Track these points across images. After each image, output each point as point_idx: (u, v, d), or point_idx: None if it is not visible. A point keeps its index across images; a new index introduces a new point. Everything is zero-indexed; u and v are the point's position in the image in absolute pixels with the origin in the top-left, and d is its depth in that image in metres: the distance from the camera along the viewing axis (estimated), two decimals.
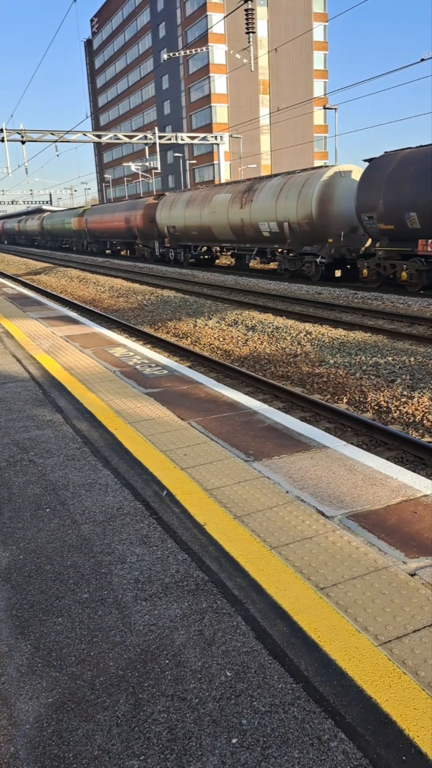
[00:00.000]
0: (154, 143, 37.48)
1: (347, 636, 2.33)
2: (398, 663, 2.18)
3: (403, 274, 16.71)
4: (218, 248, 28.58)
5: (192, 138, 40.04)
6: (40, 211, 77.26)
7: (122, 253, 43.58)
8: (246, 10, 25.02)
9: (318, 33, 70.90)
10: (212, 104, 68.71)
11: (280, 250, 22.53)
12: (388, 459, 5.57)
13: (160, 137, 37.81)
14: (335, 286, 19.30)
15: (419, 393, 7.44)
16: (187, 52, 53.42)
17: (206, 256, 30.49)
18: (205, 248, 29.23)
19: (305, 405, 7.32)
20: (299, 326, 12.22)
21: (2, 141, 34.45)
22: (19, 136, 34.69)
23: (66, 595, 2.69)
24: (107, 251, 44.25)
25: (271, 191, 21.96)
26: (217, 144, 41.23)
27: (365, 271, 18.43)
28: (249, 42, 28.91)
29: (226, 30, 65.80)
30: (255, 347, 10.90)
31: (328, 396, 7.95)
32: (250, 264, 26.45)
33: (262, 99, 69.97)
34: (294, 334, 11.53)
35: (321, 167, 21.22)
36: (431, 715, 1.96)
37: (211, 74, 67.94)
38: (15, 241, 79.73)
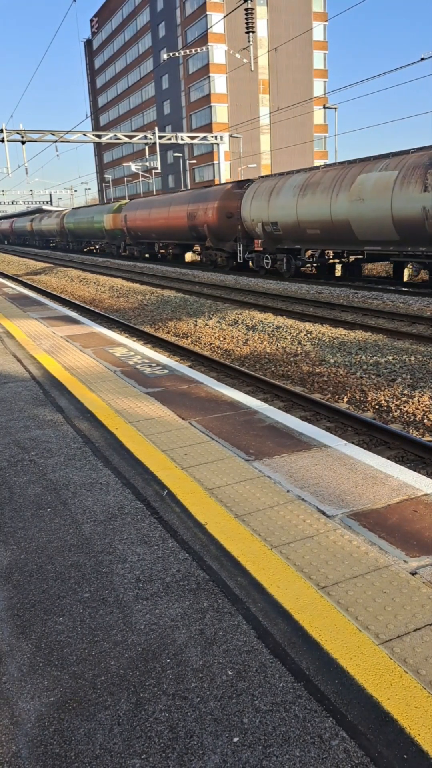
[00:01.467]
0: (154, 143, 37.48)
1: (348, 635, 2.33)
2: (399, 661, 2.19)
3: None
4: (354, 253, 19.15)
5: (192, 138, 40.04)
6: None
7: (171, 257, 33.79)
8: (246, 9, 25.01)
9: (318, 32, 70.87)
10: (212, 104, 68.69)
11: None
12: (388, 458, 5.57)
13: (160, 137, 37.80)
14: (335, 286, 19.29)
15: (420, 392, 7.44)
16: (187, 51, 53.39)
17: (340, 262, 20.95)
18: (332, 253, 20.24)
19: (306, 404, 7.32)
20: (299, 326, 12.22)
21: (2, 141, 34.45)
22: (19, 137, 34.69)
23: (67, 594, 2.69)
24: (148, 255, 36.09)
25: None
26: (217, 144, 41.22)
27: None
28: (249, 41, 28.90)
29: (226, 30, 65.78)
30: (255, 347, 10.90)
31: (329, 395, 7.95)
32: None
33: (262, 98, 69.96)
34: (294, 334, 11.53)
35: None
36: None
37: (210, 74, 67.92)
38: (26, 242, 72.42)
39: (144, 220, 33.22)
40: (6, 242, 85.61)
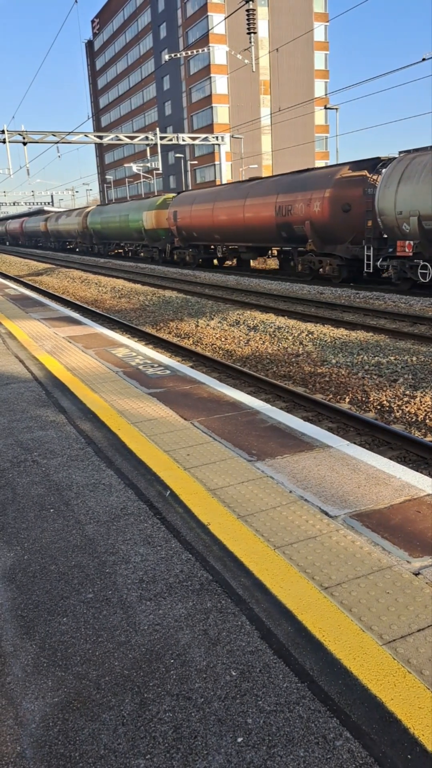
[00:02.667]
0: (156, 144, 37.50)
1: (352, 635, 2.33)
2: (403, 662, 2.19)
3: None
4: None
5: (193, 138, 40.05)
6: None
7: (230, 262, 28.38)
8: (247, 10, 25.03)
9: (319, 33, 70.87)
10: (213, 105, 68.72)
11: None
12: (391, 458, 5.57)
13: (161, 138, 37.82)
14: (337, 286, 19.28)
15: (421, 392, 7.44)
16: (188, 52, 53.47)
17: None
18: None
19: (308, 405, 7.32)
20: (301, 326, 12.22)
21: (4, 142, 34.49)
22: (20, 138, 34.72)
23: (71, 595, 2.70)
24: (202, 260, 29.40)
25: None
26: (218, 144, 41.24)
27: None
28: (250, 42, 28.90)
29: (227, 30, 65.81)
30: (257, 347, 10.90)
31: (331, 396, 7.95)
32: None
33: (263, 99, 69.97)
34: (296, 334, 11.53)
35: None
36: None
37: (212, 75, 67.94)
38: (38, 243, 66.56)
39: (203, 217, 26.49)
40: (8, 243, 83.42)
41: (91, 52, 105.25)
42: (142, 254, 37.26)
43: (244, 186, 24.86)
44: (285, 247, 22.65)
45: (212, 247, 28.61)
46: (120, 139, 37.99)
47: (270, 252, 25.66)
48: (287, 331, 11.83)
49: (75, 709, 2.05)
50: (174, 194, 32.71)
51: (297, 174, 21.71)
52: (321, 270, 20.31)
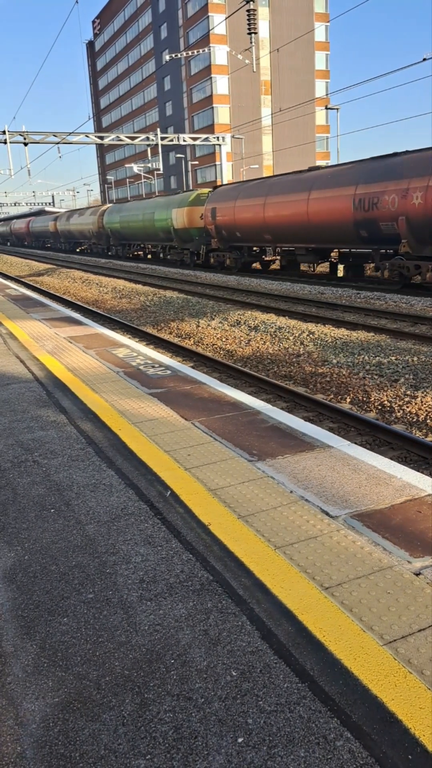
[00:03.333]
0: (156, 144, 37.50)
1: (352, 635, 2.33)
2: (403, 662, 2.18)
3: None
4: None
5: (194, 139, 40.05)
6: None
7: (284, 264, 23.78)
8: (248, 10, 25.03)
9: (320, 33, 70.88)
10: (214, 105, 68.74)
11: None
12: (392, 458, 5.56)
13: (162, 138, 37.82)
14: (338, 286, 19.28)
15: (422, 392, 7.43)
16: (189, 53, 53.49)
17: None
18: None
19: (308, 405, 7.32)
20: (302, 326, 12.22)
21: (5, 143, 34.51)
22: (21, 138, 34.74)
23: (71, 595, 2.69)
24: (245, 262, 25.24)
25: None
26: (219, 145, 41.23)
27: None
28: (251, 42, 28.89)
29: (228, 31, 65.83)
30: (258, 347, 10.89)
31: (332, 396, 7.95)
32: None
33: (264, 99, 69.99)
34: (297, 334, 11.52)
35: None
36: None
37: (212, 75, 67.98)
38: (45, 244, 62.26)
39: (250, 214, 22.55)
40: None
41: (92, 52, 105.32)
42: (169, 257, 32.47)
43: (307, 176, 20.42)
44: (363, 248, 18.60)
45: (255, 249, 24.57)
46: (121, 140, 38.00)
47: (331, 254, 20.98)
48: (288, 331, 11.82)
49: (75, 710, 2.05)
50: (209, 189, 28.71)
51: (384, 159, 17.34)
52: (418, 277, 16.64)
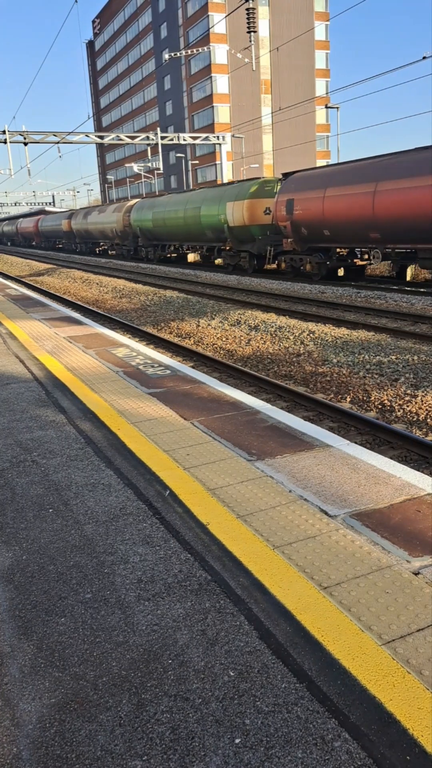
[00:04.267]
0: (156, 144, 37.48)
1: (351, 635, 2.32)
2: (402, 662, 2.17)
3: None
4: None
5: (194, 138, 40.03)
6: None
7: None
8: (247, 9, 25.01)
9: (320, 32, 70.82)
10: (214, 104, 68.71)
11: None
12: (391, 458, 5.55)
13: (162, 138, 37.81)
14: (338, 285, 19.26)
15: (423, 392, 7.42)
16: (189, 52, 53.38)
17: None
18: None
19: (308, 404, 7.30)
20: (302, 325, 12.21)
21: (5, 143, 34.50)
22: (21, 138, 34.73)
23: (69, 595, 2.69)
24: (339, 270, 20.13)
25: None
26: (219, 144, 41.21)
27: None
28: (250, 41, 28.87)
29: (228, 30, 65.79)
30: (258, 347, 10.88)
31: (332, 395, 7.94)
32: None
33: (264, 98, 69.94)
34: (297, 334, 11.51)
35: None
36: None
37: (212, 74, 67.94)
38: (56, 245, 57.41)
39: (348, 206, 17.73)
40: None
41: (92, 52, 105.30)
42: (220, 261, 27.30)
43: None
44: None
45: (341, 251, 19.64)
46: (121, 139, 37.98)
47: None
48: (288, 331, 11.81)
49: (72, 710, 2.04)
50: (276, 178, 23.95)
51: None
52: None
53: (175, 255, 33.36)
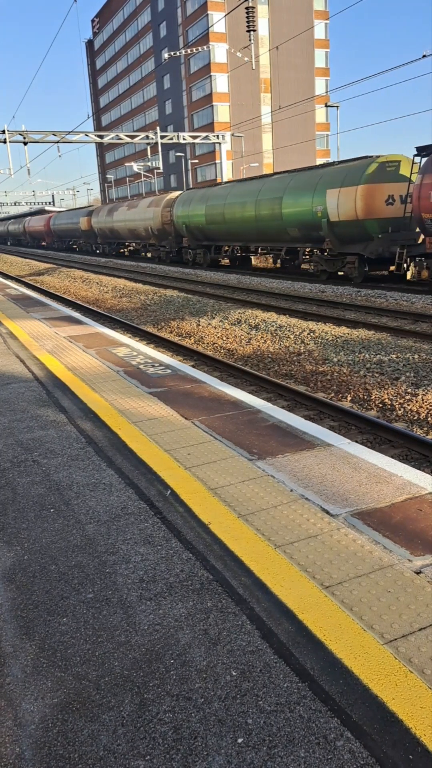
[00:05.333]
0: (156, 143, 37.46)
1: (353, 634, 2.32)
2: (404, 661, 2.17)
3: None
4: None
5: (194, 137, 40.01)
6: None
7: None
8: (247, 8, 24.99)
9: (319, 31, 70.75)
10: (213, 103, 68.65)
11: None
12: (392, 457, 5.55)
13: (162, 137, 37.78)
14: (338, 284, 19.25)
15: (423, 390, 7.42)
16: (188, 51, 53.36)
17: None
18: None
19: (309, 403, 7.30)
20: (302, 324, 12.20)
21: (4, 142, 34.49)
22: (21, 137, 34.71)
23: (70, 595, 2.69)
24: None
25: None
26: (219, 143, 41.19)
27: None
28: (250, 40, 28.85)
29: (227, 29, 65.73)
30: (258, 346, 10.88)
31: (332, 394, 7.93)
32: None
33: (264, 97, 69.88)
34: (297, 333, 11.50)
35: None
36: None
37: (212, 73, 67.88)
38: (72, 245, 52.06)
39: None
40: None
41: (91, 51, 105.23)
42: (311, 268, 21.16)
43: None
44: None
45: None
46: (120, 139, 37.96)
47: None
48: (289, 330, 11.81)
49: (74, 710, 2.04)
50: (395, 157, 17.89)
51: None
52: None
53: (236, 257, 27.03)
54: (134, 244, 38.47)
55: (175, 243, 30.95)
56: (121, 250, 41.63)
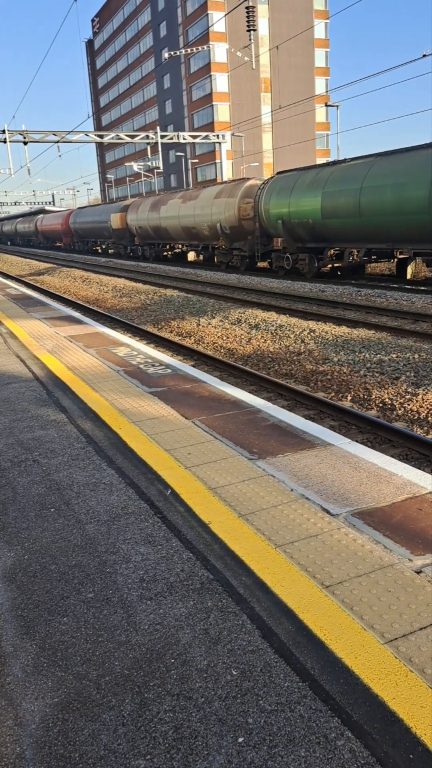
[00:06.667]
0: (156, 143, 37.46)
1: (353, 634, 2.32)
2: (405, 661, 2.17)
3: None
4: None
5: (194, 137, 40.00)
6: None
7: None
8: (247, 7, 24.99)
9: (319, 30, 70.74)
10: (214, 103, 68.64)
11: None
12: (393, 456, 5.54)
13: (162, 137, 37.78)
14: (338, 284, 19.24)
15: (423, 390, 7.42)
16: (188, 50, 53.32)
17: None
18: None
19: (309, 403, 7.30)
20: (302, 324, 12.20)
21: (4, 142, 34.49)
22: (21, 137, 34.71)
23: (71, 594, 2.69)
24: None
25: None
26: (219, 143, 41.18)
27: None
28: (250, 40, 28.85)
29: (227, 28, 65.71)
30: (258, 345, 10.88)
31: (333, 394, 7.93)
32: None
33: (264, 97, 69.87)
34: (297, 332, 11.50)
35: None
36: None
37: (212, 73, 67.87)
38: (92, 247, 45.66)
39: None
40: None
41: (92, 51, 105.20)
42: None
43: None
44: None
45: None
46: (120, 138, 37.95)
47: None
48: (289, 330, 11.81)
49: (75, 710, 2.04)
50: None
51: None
52: None
53: (358, 264, 19.51)
54: (185, 247, 30.92)
55: (261, 244, 23.16)
56: (165, 254, 33.68)
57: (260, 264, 25.34)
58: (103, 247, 43.86)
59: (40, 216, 59.58)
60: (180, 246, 31.54)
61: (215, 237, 26.00)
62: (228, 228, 24.53)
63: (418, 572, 2.71)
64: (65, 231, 49.99)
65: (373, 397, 7.50)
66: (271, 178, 22.77)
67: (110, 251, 42.68)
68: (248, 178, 25.00)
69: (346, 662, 2.17)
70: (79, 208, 49.13)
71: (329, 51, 73.35)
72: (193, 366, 9.50)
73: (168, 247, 32.87)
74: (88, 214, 43.81)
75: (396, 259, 18.82)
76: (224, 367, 9.29)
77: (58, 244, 55.44)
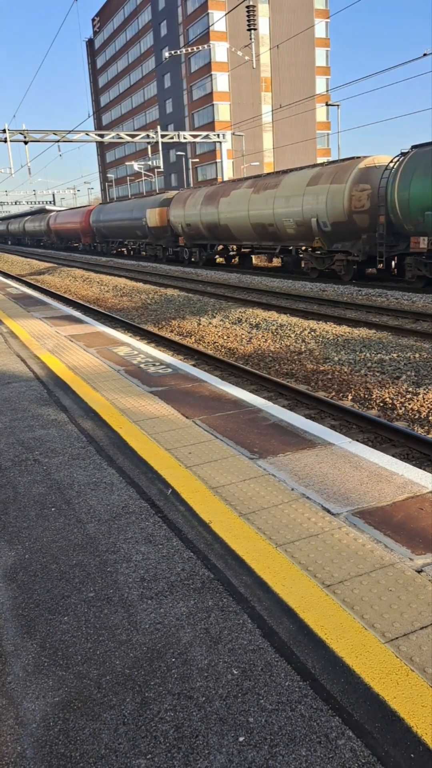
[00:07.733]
0: (157, 142, 37.44)
1: (354, 633, 2.32)
2: (406, 660, 2.17)
3: None
4: None
5: (194, 136, 39.98)
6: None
7: None
8: (247, 7, 24.98)
9: (320, 29, 70.66)
10: (214, 102, 68.60)
11: None
12: (393, 456, 5.54)
13: (163, 136, 37.76)
14: (339, 283, 19.23)
15: (424, 389, 7.41)
16: (189, 50, 53.27)
17: None
18: None
19: (310, 402, 7.30)
20: (303, 323, 12.19)
21: (5, 141, 34.48)
22: (21, 137, 34.70)
23: (72, 594, 2.69)
24: None
25: None
26: (220, 142, 41.17)
27: None
28: (250, 39, 28.83)
29: (228, 27, 65.66)
30: (259, 345, 10.88)
31: (333, 393, 7.93)
32: None
33: (264, 96, 69.82)
34: (298, 332, 11.50)
35: None
36: None
37: (212, 72, 67.82)
38: (116, 248, 39.98)
39: None
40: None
41: (92, 50, 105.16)
42: None
43: None
44: None
45: None
46: (121, 138, 37.94)
47: None
48: (289, 329, 11.80)
49: (76, 709, 2.04)
50: None
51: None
52: None
53: None
54: (256, 247, 24.24)
55: (387, 245, 17.37)
56: (218, 258, 27.79)
57: (370, 270, 19.31)
58: (133, 247, 37.66)
59: (53, 213, 52.98)
60: (247, 248, 25.05)
61: (306, 236, 19.86)
62: (329, 224, 18.46)
63: (419, 571, 2.71)
64: (85, 230, 43.53)
65: (374, 396, 7.49)
66: (405, 154, 16.32)
67: (143, 253, 35.86)
68: (361, 158, 18.24)
69: (347, 661, 2.17)
70: (101, 203, 43.42)
71: (330, 50, 73.29)
72: (194, 365, 9.50)
73: (232, 249, 26.45)
74: (115, 211, 37.43)
75: None
76: (225, 366, 9.29)
77: (75, 244, 49.14)
